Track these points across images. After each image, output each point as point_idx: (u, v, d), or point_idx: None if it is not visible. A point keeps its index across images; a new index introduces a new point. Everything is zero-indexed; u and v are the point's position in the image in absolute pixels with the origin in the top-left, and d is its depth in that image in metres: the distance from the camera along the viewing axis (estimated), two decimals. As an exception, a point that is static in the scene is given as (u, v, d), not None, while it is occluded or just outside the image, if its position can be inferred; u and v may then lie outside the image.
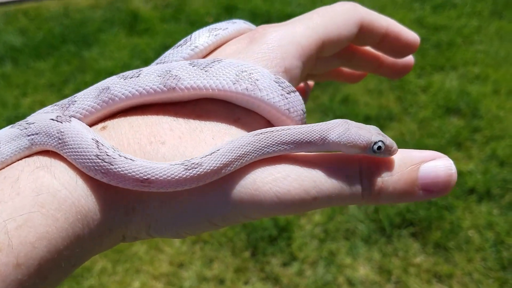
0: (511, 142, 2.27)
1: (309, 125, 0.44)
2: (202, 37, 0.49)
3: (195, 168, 0.38)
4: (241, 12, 3.84)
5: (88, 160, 0.37)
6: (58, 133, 0.39)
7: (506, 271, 1.78)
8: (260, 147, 0.42)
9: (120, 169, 0.37)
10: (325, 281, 1.84)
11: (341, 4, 0.50)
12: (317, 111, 2.67)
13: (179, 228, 0.40)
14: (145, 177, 0.37)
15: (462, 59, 2.91)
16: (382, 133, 0.44)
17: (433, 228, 1.93)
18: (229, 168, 0.40)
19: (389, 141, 0.42)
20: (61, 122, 0.40)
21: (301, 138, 0.43)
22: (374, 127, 0.46)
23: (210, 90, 0.41)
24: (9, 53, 3.61)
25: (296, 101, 0.44)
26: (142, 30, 3.82)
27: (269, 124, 0.45)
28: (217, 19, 3.71)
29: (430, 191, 0.42)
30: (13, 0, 4.46)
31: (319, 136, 0.43)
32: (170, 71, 0.42)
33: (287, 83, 0.44)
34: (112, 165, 0.37)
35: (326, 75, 0.63)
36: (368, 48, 0.57)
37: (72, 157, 0.38)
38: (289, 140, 0.43)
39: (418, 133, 2.40)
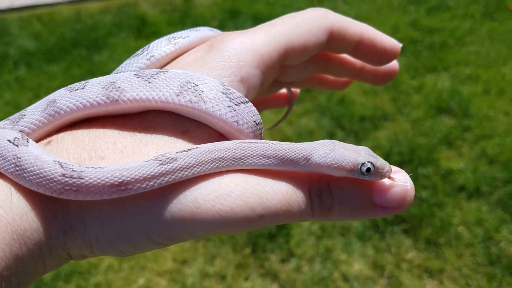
0: (500, 140, 2.24)
1: (295, 143, 0.41)
2: (159, 46, 0.46)
3: (170, 163, 0.36)
4: (244, 16, 3.81)
5: (54, 183, 0.34)
6: (14, 158, 0.36)
7: (495, 266, 1.76)
8: (240, 156, 0.39)
9: (92, 180, 0.34)
10: (321, 276, 1.83)
11: (310, 11, 0.47)
12: (315, 111, 2.65)
13: (121, 246, 0.37)
14: (121, 180, 0.35)
15: (454, 60, 2.88)
16: (373, 154, 0.40)
17: (424, 224, 1.92)
18: (203, 168, 0.37)
19: (380, 162, 0.39)
20: (17, 146, 0.37)
21: (284, 155, 0.40)
22: (365, 147, 0.42)
23: (153, 102, 0.39)
24: (23, 57, 3.62)
25: (246, 113, 0.40)
26: (150, 34, 3.81)
27: (221, 137, 0.42)
28: (222, 23, 3.70)
29: (384, 208, 0.39)
30: (27, 5, 4.46)
31: (302, 155, 0.40)
32: (114, 82, 0.39)
33: (237, 94, 0.40)
34: (83, 178, 0.34)
35: (307, 82, 0.59)
36: (345, 56, 0.54)
37: (35, 181, 0.35)
38: (272, 154, 0.39)
39: (411, 133, 2.38)
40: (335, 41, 0.47)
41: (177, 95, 0.38)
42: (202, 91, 0.39)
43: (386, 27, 3.37)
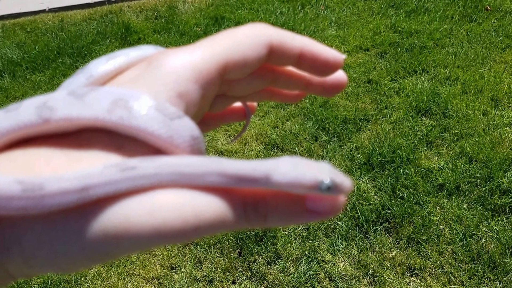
0: (479, 139, 2.30)
1: (255, 161, 0.40)
2: (98, 65, 0.47)
3: (130, 170, 0.36)
4: (228, 21, 3.84)
5: (14, 201, 0.34)
6: None
7: (475, 263, 1.80)
8: (201, 173, 0.39)
9: (55, 187, 0.34)
10: (307, 277, 1.86)
11: (251, 26, 0.47)
12: (299, 114, 2.68)
13: (59, 263, 0.37)
14: (83, 185, 0.35)
15: (433, 62, 2.94)
16: (335, 171, 0.40)
17: (406, 223, 1.96)
18: (160, 179, 0.38)
19: (340, 179, 0.38)
20: None
21: (245, 174, 0.39)
22: (326, 163, 0.41)
23: (85, 120, 0.39)
24: (7, 66, 3.60)
25: (181, 127, 0.40)
26: (135, 41, 3.82)
27: (159, 152, 0.42)
28: (206, 29, 3.72)
29: (318, 213, 0.40)
30: (10, 13, 4.43)
31: (263, 173, 0.39)
32: (46, 102, 0.39)
33: (172, 109, 0.40)
34: (45, 187, 0.34)
35: (258, 95, 0.59)
36: (292, 68, 0.54)
37: None
38: (233, 173, 0.39)
39: (392, 133, 2.42)
40: (276, 55, 0.48)
41: (108, 112, 0.38)
42: (134, 108, 0.39)
43: (367, 30, 3.43)
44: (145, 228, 0.36)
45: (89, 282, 1.97)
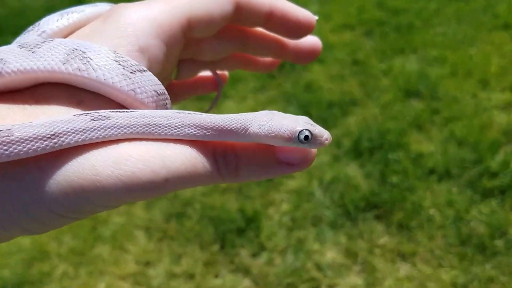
0: (468, 122, 2.54)
1: (232, 114, 0.45)
2: (51, 21, 0.48)
3: (102, 119, 0.39)
4: None
5: None
6: None
7: (466, 246, 2.03)
8: (176, 124, 0.42)
9: (24, 133, 0.36)
10: (294, 268, 2.00)
11: None
12: (280, 99, 2.85)
13: (23, 222, 0.39)
14: (52, 133, 0.37)
15: (422, 42, 3.18)
16: (312, 123, 0.45)
17: (396, 209, 2.17)
18: (133, 130, 0.40)
19: (318, 130, 0.44)
20: None
21: (222, 125, 0.43)
22: (304, 117, 0.46)
23: (39, 73, 0.40)
24: None
25: (144, 81, 0.42)
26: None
27: (121, 106, 0.44)
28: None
29: (289, 164, 0.44)
30: None
31: (241, 125, 0.43)
32: None
33: (132, 62, 0.42)
34: (13, 133, 0.36)
35: (230, 62, 0.63)
36: (264, 31, 0.58)
37: None
38: (210, 125, 0.43)
39: (381, 117, 2.64)
40: (243, 12, 0.51)
41: (63, 64, 0.40)
42: (91, 59, 0.40)
43: (352, 8, 3.65)
44: (112, 180, 0.38)
45: (56, 282, 2.05)
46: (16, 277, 2.09)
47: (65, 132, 0.38)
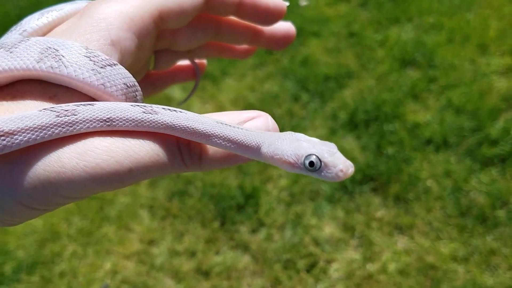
0: (466, 89, 2.25)
1: (255, 131, 0.40)
2: (32, 20, 0.47)
3: (68, 115, 0.37)
4: None
5: None
6: None
7: (465, 217, 1.79)
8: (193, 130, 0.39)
9: None
10: (293, 243, 1.85)
11: None
12: (278, 74, 2.61)
13: None
14: (8, 130, 0.35)
15: (417, 9, 2.86)
16: (333, 150, 0.37)
17: (392, 181, 1.93)
18: (98, 124, 0.38)
19: (332, 158, 0.35)
20: None
21: (242, 140, 0.39)
22: (330, 144, 0.39)
23: (15, 71, 0.39)
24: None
25: (114, 75, 0.41)
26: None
27: (93, 99, 0.42)
28: None
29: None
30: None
31: (255, 142, 0.38)
32: None
33: (103, 57, 0.41)
34: None
35: (206, 50, 0.59)
36: (236, 19, 0.55)
37: None
38: (232, 137, 0.39)
39: (377, 89, 2.37)
40: (214, 2, 0.49)
41: (37, 62, 0.39)
42: (63, 56, 0.40)
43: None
44: (78, 171, 0.37)
45: (66, 262, 1.94)
46: (30, 257, 1.98)
47: (24, 128, 0.36)
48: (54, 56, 0.39)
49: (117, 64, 0.41)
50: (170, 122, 0.39)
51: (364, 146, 2.10)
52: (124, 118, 0.39)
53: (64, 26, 0.45)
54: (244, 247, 1.88)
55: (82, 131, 0.38)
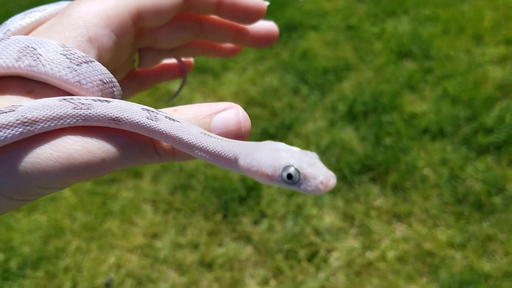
0: (462, 79, 2.28)
1: (233, 141, 0.39)
2: (16, 20, 0.49)
3: (83, 109, 0.39)
4: None
5: None
6: None
7: (462, 204, 1.82)
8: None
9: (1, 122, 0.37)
10: (294, 233, 1.88)
11: None
12: (278, 68, 2.64)
13: None
14: (31, 117, 0.37)
15: (414, 2, 2.88)
16: (314, 161, 0.35)
17: (390, 171, 1.97)
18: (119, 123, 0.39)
19: (312, 170, 0.33)
20: None
21: (219, 151, 0.38)
22: (311, 153, 0.37)
23: None
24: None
25: (90, 72, 0.42)
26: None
27: (69, 94, 0.44)
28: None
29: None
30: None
31: (233, 153, 0.37)
32: None
33: (79, 54, 0.42)
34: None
35: (189, 49, 0.60)
36: (218, 18, 0.56)
37: None
38: (210, 149, 0.38)
39: (374, 81, 2.40)
40: (193, 1, 0.50)
41: (16, 61, 0.40)
42: (41, 54, 0.41)
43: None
44: (51, 161, 0.38)
45: (70, 257, 1.96)
46: (35, 253, 2.00)
47: (47, 117, 0.38)
48: (32, 54, 0.41)
49: (93, 61, 0.42)
50: (165, 130, 0.40)
51: (363, 137, 2.14)
52: (130, 120, 0.40)
53: (46, 25, 0.46)
54: (247, 239, 1.91)
55: (93, 124, 0.40)
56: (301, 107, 2.36)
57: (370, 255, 1.76)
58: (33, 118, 0.38)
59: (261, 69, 2.66)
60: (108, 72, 0.43)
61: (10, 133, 0.37)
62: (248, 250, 1.88)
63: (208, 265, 1.86)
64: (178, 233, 1.98)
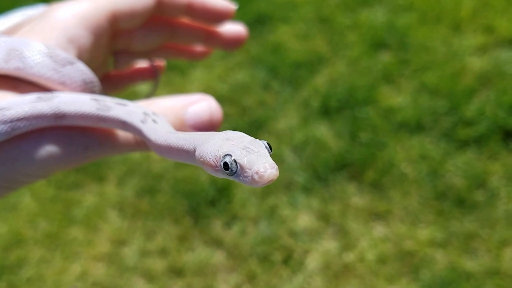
0: (439, 70, 2.22)
1: (193, 133, 0.39)
2: None
3: (104, 110, 0.41)
4: None
5: None
6: None
7: (442, 201, 1.76)
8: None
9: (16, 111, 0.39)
10: (267, 235, 1.81)
11: None
12: (247, 64, 2.55)
13: None
14: (67, 112, 0.40)
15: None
16: (257, 149, 0.32)
17: (367, 167, 1.90)
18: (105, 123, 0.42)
19: (248, 159, 0.30)
20: None
21: (180, 144, 0.37)
22: (261, 141, 0.34)
23: None
24: None
25: (73, 73, 0.44)
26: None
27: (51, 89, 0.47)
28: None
29: (197, 129, 0.44)
30: None
31: (192, 146, 0.36)
32: None
33: (63, 56, 0.44)
34: None
35: (162, 51, 0.62)
36: (188, 22, 0.58)
37: None
38: (173, 145, 0.38)
39: (348, 74, 2.32)
40: (164, 4, 0.52)
41: (5, 63, 0.42)
42: (28, 56, 0.43)
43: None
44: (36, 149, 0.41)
45: (34, 267, 1.85)
46: None
47: (76, 113, 0.40)
48: (20, 57, 0.42)
49: (76, 62, 0.45)
50: (147, 134, 0.40)
51: (338, 133, 2.05)
52: (133, 125, 0.41)
53: (28, 27, 0.49)
54: (218, 243, 1.83)
55: (104, 126, 0.42)
56: (272, 103, 2.26)
57: (348, 256, 1.68)
58: (67, 113, 0.40)
59: (230, 65, 2.55)
60: (90, 71, 0.46)
61: None
62: (220, 254, 1.80)
63: (179, 272, 1.79)
64: (146, 238, 1.89)
